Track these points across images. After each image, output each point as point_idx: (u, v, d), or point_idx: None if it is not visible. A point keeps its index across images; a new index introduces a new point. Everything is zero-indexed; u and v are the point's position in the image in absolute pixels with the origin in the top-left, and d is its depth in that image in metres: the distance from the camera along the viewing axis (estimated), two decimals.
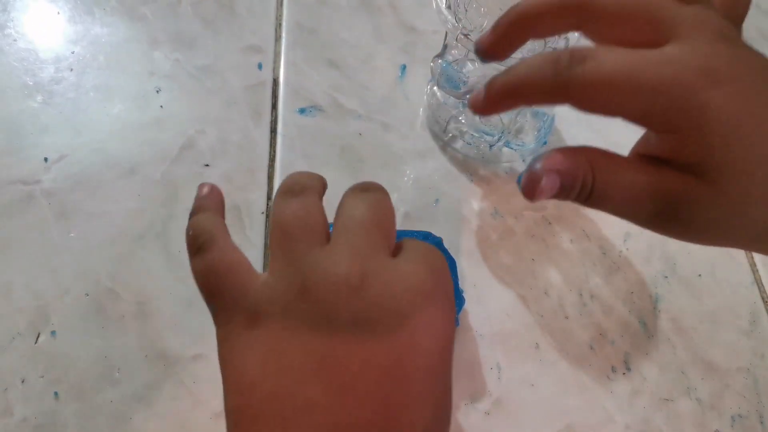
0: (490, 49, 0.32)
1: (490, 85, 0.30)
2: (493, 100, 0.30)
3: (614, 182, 0.28)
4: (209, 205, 0.31)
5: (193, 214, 0.30)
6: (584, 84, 0.26)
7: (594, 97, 0.27)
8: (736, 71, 0.26)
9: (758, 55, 0.29)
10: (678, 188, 0.27)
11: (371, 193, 0.29)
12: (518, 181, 0.28)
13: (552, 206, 0.47)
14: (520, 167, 0.49)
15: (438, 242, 0.40)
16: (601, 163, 0.28)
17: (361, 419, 0.24)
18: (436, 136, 0.49)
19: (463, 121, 0.47)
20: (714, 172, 0.26)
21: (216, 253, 0.28)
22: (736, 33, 0.29)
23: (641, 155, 0.29)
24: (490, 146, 0.47)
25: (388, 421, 0.25)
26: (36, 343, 0.38)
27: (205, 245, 0.29)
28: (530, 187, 0.28)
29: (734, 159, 0.26)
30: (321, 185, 0.31)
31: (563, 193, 0.28)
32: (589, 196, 0.28)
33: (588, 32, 0.30)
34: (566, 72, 0.27)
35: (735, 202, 0.27)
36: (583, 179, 0.27)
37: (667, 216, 0.28)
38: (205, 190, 0.32)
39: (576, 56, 0.27)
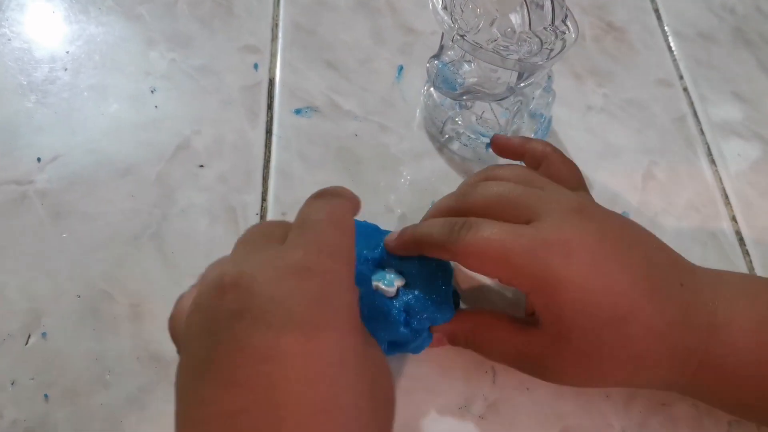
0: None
1: (402, 232, 0.37)
2: (402, 245, 0.37)
3: (491, 343, 0.36)
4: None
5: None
6: (464, 252, 0.33)
7: (472, 263, 0.34)
8: (584, 242, 0.32)
9: (611, 216, 0.36)
10: (535, 349, 0.34)
11: (324, 199, 0.31)
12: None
13: None
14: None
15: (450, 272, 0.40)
16: (482, 327, 0.36)
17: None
18: (432, 138, 0.49)
19: (459, 122, 0.47)
20: (566, 332, 0.33)
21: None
22: (586, 200, 0.37)
23: (526, 314, 0.37)
24: (487, 147, 0.47)
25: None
26: (27, 344, 0.38)
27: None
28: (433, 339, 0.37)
29: (582, 322, 0.32)
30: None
31: (454, 341, 0.37)
32: (476, 349, 0.37)
33: None
34: (454, 237, 0.33)
35: (584, 359, 0.33)
36: (465, 340, 0.37)
37: (531, 368, 0.36)
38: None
39: (466, 225, 0.33)
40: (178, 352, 0.29)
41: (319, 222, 0.29)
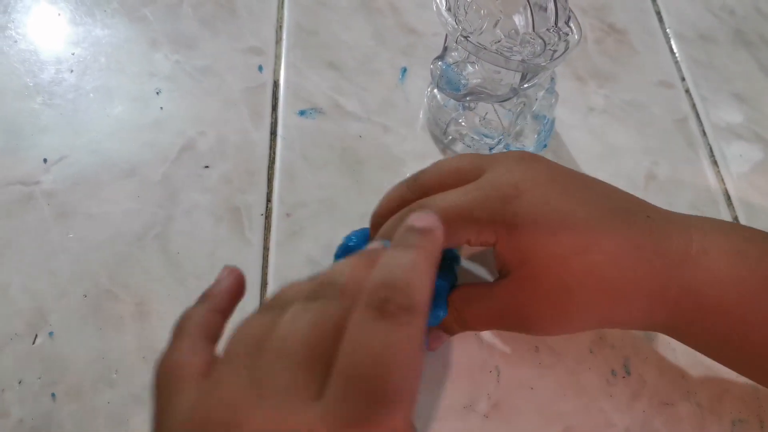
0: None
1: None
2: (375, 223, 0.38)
3: (475, 314, 0.35)
4: (211, 297, 0.28)
5: (195, 302, 0.28)
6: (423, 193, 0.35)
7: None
8: (535, 180, 0.33)
9: (561, 165, 0.36)
10: (511, 300, 0.34)
11: (316, 303, 0.24)
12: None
13: None
14: None
15: (454, 257, 0.39)
16: (463, 304, 0.36)
17: None
18: (436, 139, 0.49)
19: (463, 123, 0.47)
20: (533, 273, 0.32)
21: (168, 353, 0.26)
22: (532, 155, 0.36)
23: (499, 272, 0.35)
24: (490, 149, 0.47)
25: None
26: (33, 344, 0.38)
27: (169, 341, 0.27)
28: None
29: (545, 259, 0.32)
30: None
31: (451, 332, 0.38)
32: (467, 326, 0.36)
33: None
34: (413, 182, 0.36)
35: (556, 298, 0.33)
36: (456, 322, 0.36)
37: (513, 323, 0.35)
38: (222, 276, 0.29)
39: (416, 208, 0.34)
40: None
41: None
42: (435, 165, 0.37)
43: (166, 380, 0.24)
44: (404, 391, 0.20)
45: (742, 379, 0.42)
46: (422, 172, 0.37)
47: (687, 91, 0.56)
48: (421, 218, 0.26)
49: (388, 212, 0.36)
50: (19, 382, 0.37)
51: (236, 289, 0.29)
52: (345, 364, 0.21)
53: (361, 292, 0.22)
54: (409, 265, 0.23)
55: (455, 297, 0.36)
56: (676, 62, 0.58)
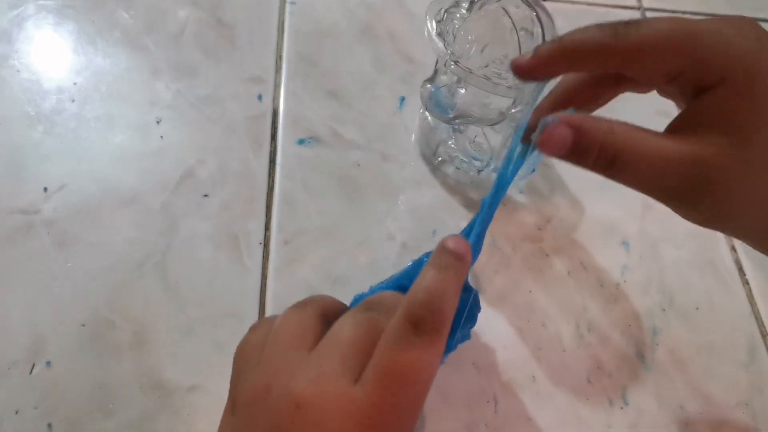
0: (527, 68, 0.30)
1: (540, 48, 0.29)
2: (541, 62, 0.29)
3: (640, 151, 0.26)
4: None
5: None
6: (639, 45, 0.27)
7: (649, 57, 0.27)
8: None
9: None
10: (708, 154, 0.26)
11: (367, 313, 0.28)
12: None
13: (549, 237, 0.47)
14: (511, 192, 0.49)
15: (475, 295, 0.38)
16: (624, 131, 0.27)
17: None
18: (426, 160, 0.50)
19: (453, 145, 0.48)
20: (754, 130, 0.25)
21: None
22: None
23: (676, 127, 0.28)
24: (479, 171, 0.48)
25: None
26: (31, 373, 0.38)
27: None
28: (542, 138, 0.27)
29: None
30: (328, 304, 0.31)
31: (578, 153, 0.27)
32: (612, 164, 0.26)
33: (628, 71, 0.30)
34: (625, 32, 0.27)
35: (763, 168, 0.26)
36: (602, 143, 0.26)
37: (698, 186, 0.26)
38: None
39: (631, 22, 0.27)
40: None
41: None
42: (655, 21, 0.28)
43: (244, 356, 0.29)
44: (419, 397, 0.26)
45: (740, 411, 0.42)
46: (636, 24, 0.27)
47: None
48: (456, 243, 0.28)
49: (585, 56, 0.29)
50: (16, 412, 0.37)
51: None
52: (379, 359, 0.25)
53: (402, 304, 0.26)
54: (444, 292, 0.26)
55: (611, 124, 0.27)
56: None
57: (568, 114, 0.27)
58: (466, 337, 0.39)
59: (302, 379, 0.25)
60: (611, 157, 0.26)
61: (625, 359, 0.43)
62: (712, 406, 0.41)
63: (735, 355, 0.44)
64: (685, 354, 0.43)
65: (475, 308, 0.38)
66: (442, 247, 0.27)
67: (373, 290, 0.38)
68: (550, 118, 0.27)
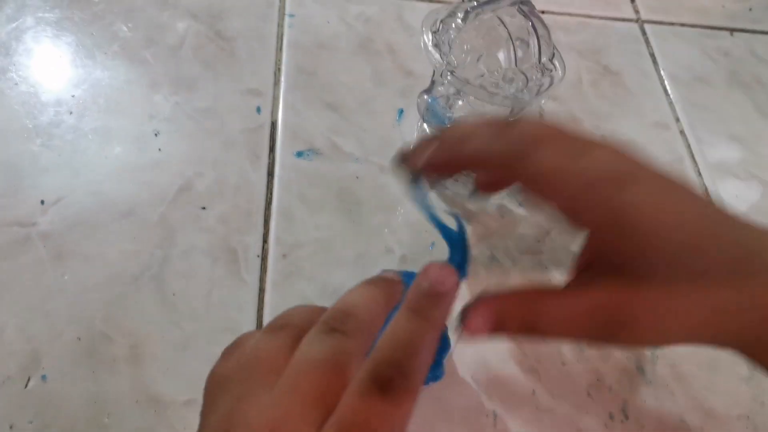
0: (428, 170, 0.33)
1: (438, 146, 0.32)
2: (442, 162, 0.32)
3: (553, 313, 0.29)
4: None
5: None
6: (536, 174, 0.28)
7: (544, 188, 0.29)
8: (645, 172, 0.28)
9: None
10: (611, 302, 0.28)
11: (330, 340, 0.26)
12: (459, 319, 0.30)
13: (548, 250, 0.47)
14: (509, 204, 0.49)
15: (443, 336, 0.38)
16: (535, 299, 0.29)
17: None
18: None
19: None
20: (646, 268, 0.28)
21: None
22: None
23: (580, 271, 0.31)
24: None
25: None
26: (26, 387, 0.38)
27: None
28: (466, 325, 0.29)
29: (663, 255, 0.28)
30: (306, 323, 0.28)
31: (502, 331, 0.29)
32: (533, 330, 0.29)
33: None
34: (520, 155, 0.29)
35: (667, 299, 0.28)
36: (520, 318, 0.29)
37: (608, 330, 0.28)
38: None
39: (532, 142, 0.29)
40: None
41: None
42: (527, 121, 0.30)
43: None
44: None
45: (741, 424, 0.41)
46: (516, 126, 0.30)
47: (682, 132, 0.56)
48: (438, 276, 0.27)
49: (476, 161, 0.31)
50: (11, 427, 0.36)
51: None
52: (343, 414, 0.23)
53: (369, 360, 0.24)
54: (416, 347, 0.25)
55: (522, 295, 0.30)
56: (671, 104, 0.58)
57: (484, 298, 0.29)
58: (437, 377, 0.38)
59: (264, 421, 0.24)
60: (531, 325, 0.29)
61: (626, 373, 0.42)
62: (713, 420, 0.41)
63: (735, 369, 0.44)
64: (686, 367, 0.43)
65: (443, 350, 0.37)
66: (420, 284, 0.27)
67: None
68: (471, 304, 0.29)
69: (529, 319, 0.29)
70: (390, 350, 0.24)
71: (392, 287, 0.29)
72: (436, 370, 0.37)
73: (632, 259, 0.28)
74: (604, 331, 0.29)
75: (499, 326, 0.29)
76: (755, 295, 0.28)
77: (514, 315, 0.29)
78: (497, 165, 0.30)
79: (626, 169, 0.29)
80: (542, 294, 0.29)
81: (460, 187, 0.48)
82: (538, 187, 0.29)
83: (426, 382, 0.35)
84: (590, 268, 0.30)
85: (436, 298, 0.27)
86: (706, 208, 0.29)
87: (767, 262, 0.28)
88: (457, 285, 0.27)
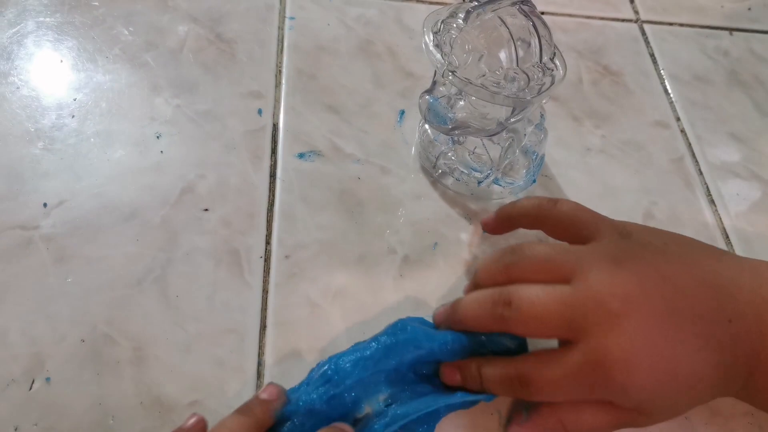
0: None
1: (448, 313, 0.38)
2: (450, 323, 0.38)
3: (545, 374, 0.34)
4: None
5: None
6: (517, 322, 0.34)
7: (530, 330, 0.35)
8: (635, 305, 0.33)
9: (646, 258, 0.35)
10: (593, 356, 0.32)
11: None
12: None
13: None
14: None
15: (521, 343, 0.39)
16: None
17: None
18: (426, 172, 0.50)
19: (452, 157, 0.48)
20: (639, 405, 0.33)
21: None
22: (630, 249, 0.36)
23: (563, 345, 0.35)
24: (479, 182, 0.47)
25: None
26: (30, 390, 0.38)
27: None
28: None
29: (650, 396, 0.33)
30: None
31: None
32: (527, 390, 0.34)
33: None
34: (498, 314, 0.35)
35: (665, 414, 0.35)
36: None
37: (601, 380, 0.33)
38: (190, 423, 0.34)
39: (505, 302, 0.35)
40: None
41: None
42: (529, 250, 0.37)
43: None
44: None
45: (746, 421, 0.41)
46: (519, 257, 0.37)
47: (682, 130, 0.57)
48: (268, 392, 0.35)
49: (488, 280, 0.38)
50: (15, 429, 0.36)
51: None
52: None
53: None
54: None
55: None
56: (671, 103, 0.58)
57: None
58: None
59: None
60: (525, 384, 0.34)
61: None
62: (717, 417, 0.41)
63: None
64: None
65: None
66: (256, 398, 0.35)
67: (354, 349, 0.37)
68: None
69: (528, 387, 0.34)
70: None
71: (264, 410, 0.34)
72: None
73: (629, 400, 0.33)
74: (596, 386, 0.33)
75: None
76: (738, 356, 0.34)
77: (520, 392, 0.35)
78: (486, 325, 0.37)
79: (601, 299, 0.33)
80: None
81: (462, 186, 0.49)
82: (528, 331, 0.36)
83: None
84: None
85: (261, 403, 0.34)
86: (688, 348, 0.33)
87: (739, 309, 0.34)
88: (282, 398, 0.35)
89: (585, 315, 0.33)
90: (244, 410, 0.34)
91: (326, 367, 0.36)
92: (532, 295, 0.34)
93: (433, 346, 0.37)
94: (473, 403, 0.37)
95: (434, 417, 0.37)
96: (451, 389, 0.37)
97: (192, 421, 0.34)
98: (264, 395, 0.35)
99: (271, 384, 0.36)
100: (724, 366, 0.34)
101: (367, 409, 0.35)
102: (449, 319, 0.38)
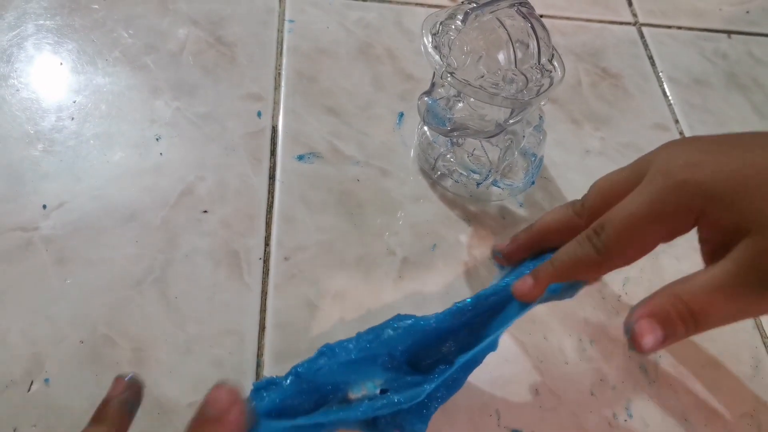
0: (507, 256, 0.40)
1: (538, 274, 0.35)
2: (547, 282, 0.34)
3: (710, 306, 0.29)
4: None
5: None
6: (618, 242, 0.31)
7: (632, 253, 0.32)
8: (700, 149, 0.32)
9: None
10: (748, 295, 0.29)
11: None
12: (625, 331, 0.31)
13: None
14: (510, 205, 0.49)
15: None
16: (690, 297, 0.30)
17: None
18: (425, 175, 0.50)
19: (451, 159, 0.48)
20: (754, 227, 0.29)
21: None
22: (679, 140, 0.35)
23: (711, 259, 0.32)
24: (478, 184, 0.48)
25: None
26: (29, 391, 0.38)
27: None
28: (637, 344, 0.30)
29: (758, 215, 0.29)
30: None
31: (671, 334, 0.30)
32: (697, 325, 0.30)
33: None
34: (600, 242, 0.32)
35: None
36: (683, 320, 0.30)
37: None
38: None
39: (597, 229, 0.32)
40: None
41: None
42: (594, 186, 0.36)
43: None
44: None
45: (745, 422, 0.41)
46: (585, 197, 0.36)
47: (681, 133, 0.57)
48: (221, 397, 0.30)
49: (556, 234, 0.36)
50: (14, 430, 0.36)
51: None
52: None
53: None
54: None
55: (688, 296, 0.30)
56: (670, 105, 0.59)
57: (642, 312, 0.31)
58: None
59: None
60: (694, 321, 0.30)
61: (629, 372, 0.42)
62: (717, 418, 0.41)
63: (739, 367, 0.44)
64: (689, 366, 0.43)
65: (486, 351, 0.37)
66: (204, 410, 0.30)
67: (340, 344, 0.36)
68: (634, 317, 0.30)
69: (692, 319, 0.30)
70: None
71: (120, 421, 0.31)
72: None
73: (757, 216, 0.29)
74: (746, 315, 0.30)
75: (669, 333, 0.30)
76: None
77: (681, 313, 0.30)
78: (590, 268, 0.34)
79: (683, 160, 0.31)
80: (691, 290, 0.30)
81: (461, 188, 0.49)
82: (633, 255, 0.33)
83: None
84: (715, 253, 0.31)
85: (216, 420, 0.29)
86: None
87: None
88: (238, 405, 0.30)
89: (666, 190, 0.31)
90: (99, 417, 0.31)
91: (323, 348, 0.36)
92: (624, 209, 0.32)
93: (429, 321, 0.37)
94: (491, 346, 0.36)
95: (428, 411, 0.36)
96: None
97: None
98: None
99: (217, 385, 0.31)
100: None
101: (363, 390, 0.35)
102: (538, 282, 0.35)
